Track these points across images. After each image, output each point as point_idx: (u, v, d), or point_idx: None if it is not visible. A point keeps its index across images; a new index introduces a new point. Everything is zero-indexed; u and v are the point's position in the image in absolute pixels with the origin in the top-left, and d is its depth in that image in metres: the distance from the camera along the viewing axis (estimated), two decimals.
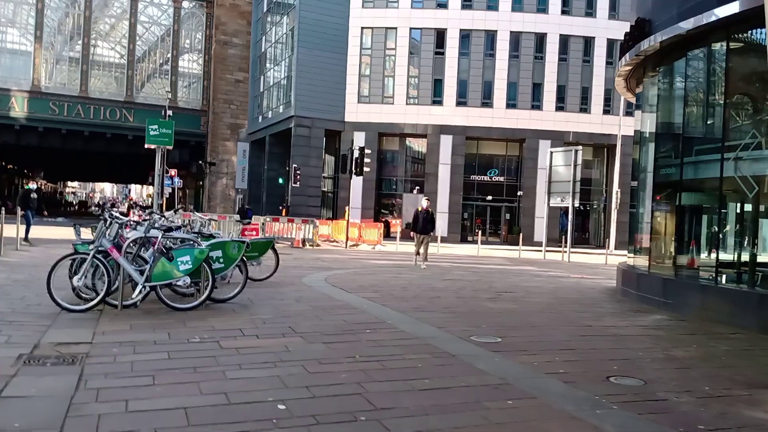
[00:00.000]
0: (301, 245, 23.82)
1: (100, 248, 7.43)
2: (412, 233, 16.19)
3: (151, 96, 48.94)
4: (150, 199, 44.45)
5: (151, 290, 7.54)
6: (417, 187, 40.52)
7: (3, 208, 13.36)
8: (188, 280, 7.67)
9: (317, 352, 5.62)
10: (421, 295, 9.97)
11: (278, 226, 24.94)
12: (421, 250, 15.92)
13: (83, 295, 7.71)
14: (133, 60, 49.36)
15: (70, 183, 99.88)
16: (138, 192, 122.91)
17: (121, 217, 8.17)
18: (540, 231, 36.92)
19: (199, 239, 8.41)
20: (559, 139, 36.58)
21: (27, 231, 16.49)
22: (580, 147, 24.31)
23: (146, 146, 15.31)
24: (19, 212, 16.19)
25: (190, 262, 7.53)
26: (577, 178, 23.53)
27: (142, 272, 7.51)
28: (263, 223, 24.12)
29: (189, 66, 52.46)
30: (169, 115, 18.01)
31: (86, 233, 10.38)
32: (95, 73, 48.98)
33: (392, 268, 15.87)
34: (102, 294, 7.35)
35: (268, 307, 8.19)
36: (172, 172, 36.57)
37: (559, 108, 39.11)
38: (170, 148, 15.55)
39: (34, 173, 76.03)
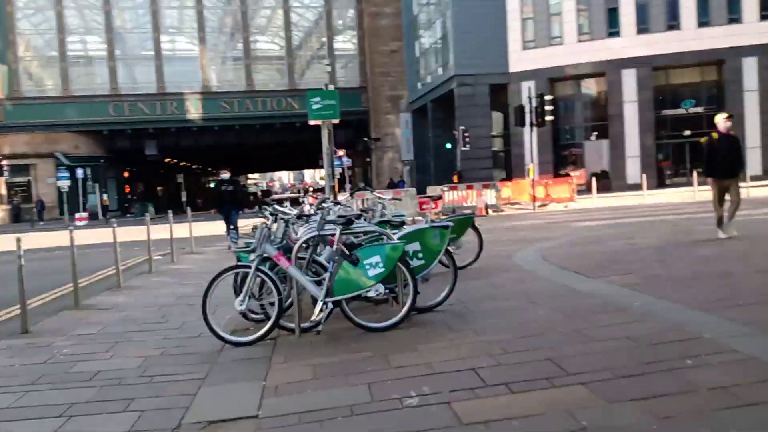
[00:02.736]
0: (485, 213, 21.45)
1: (264, 256, 5.55)
2: (709, 180, 9.63)
3: (312, 81, 49.08)
4: (323, 182, 44.99)
5: (335, 306, 5.52)
6: (596, 133, 36.26)
7: (170, 210, 12.52)
8: (382, 288, 5.50)
9: None
10: (702, 274, 6.84)
11: (455, 195, 22.71)
12: (727, 199, 9.51)
13: (252, 316, 5.97)
14: (291, 48, 49.73)
15: (250, 175, 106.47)
16: (311, 176, 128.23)
17: (286, 211, 6.24)
18: (755, 164, 30.95)
19: (387, 230, 6.25)
20: (767, 54, 30.28)
21: (232, 230, 13.38)
22: None
23: (310, 122, 13.62)
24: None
25: (381, 264, 5.37)
26: None
27: (320, 283, 5.54)
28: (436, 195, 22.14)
29: (344, 46, 51.86)
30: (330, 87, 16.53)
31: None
32: (258, 67, 50.17)
33: (611, 231, 12.76)
34: (273, 319, 5.45)
35: (494, 316, 5.75)
36: (340, 152, 35.91)
37: (764, 17, 32.45)
38: (336, 121, 13.70)
39: (219, 171, 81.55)
